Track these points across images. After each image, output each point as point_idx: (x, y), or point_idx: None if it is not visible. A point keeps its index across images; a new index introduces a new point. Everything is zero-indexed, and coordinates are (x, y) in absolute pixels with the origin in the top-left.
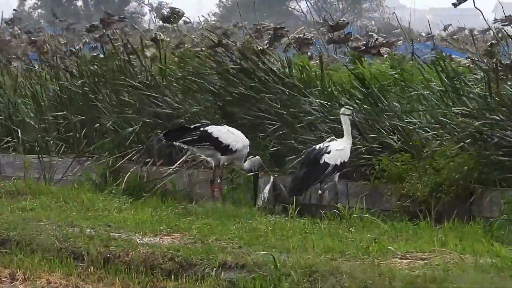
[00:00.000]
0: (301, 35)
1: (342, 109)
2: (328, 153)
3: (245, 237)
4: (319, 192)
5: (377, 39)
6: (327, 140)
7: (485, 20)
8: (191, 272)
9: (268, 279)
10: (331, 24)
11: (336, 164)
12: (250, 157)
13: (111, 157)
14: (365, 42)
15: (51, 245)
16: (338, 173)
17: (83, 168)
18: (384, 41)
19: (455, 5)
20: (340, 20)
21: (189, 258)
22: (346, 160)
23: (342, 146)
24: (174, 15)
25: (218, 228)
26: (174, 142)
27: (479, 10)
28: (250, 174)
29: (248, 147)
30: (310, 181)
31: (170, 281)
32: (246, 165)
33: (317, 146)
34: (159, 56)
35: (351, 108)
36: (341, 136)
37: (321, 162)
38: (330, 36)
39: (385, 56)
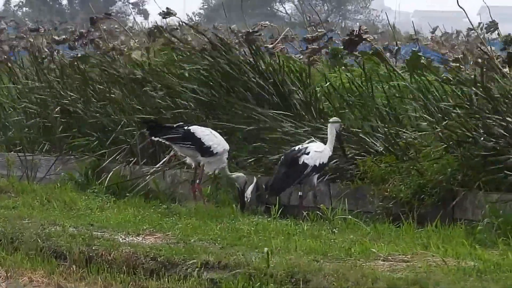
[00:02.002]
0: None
1: (332, 119)
2: (307, 154)
3: (227, 237)
4: (300, 193)
5: (361, 26)
6: (307, 141)
7: (470, 22)
8: (173, 272)
9: (251, 280)
10: (309, 37)
11: (315, 165)
12: (237, 173)
13: (94, 156)
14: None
15: (33, 243)
16: (317, 175)
17: (66, 167)
18: (366, 29)
19: None
20: (318, 31)
21: (171, 258)
22: (325, 162)
23: (322, 148)
24: (158, 29)
25: (200, 228)
26: (158, 138)
27: (463, 9)
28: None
29: (227, 153)
30: (289, 181)
31: (152, 281)
32: (233, 175)
33: (296, 147)
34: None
35: (339, 121)
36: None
37: (300, 162)
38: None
39: (370, 39)
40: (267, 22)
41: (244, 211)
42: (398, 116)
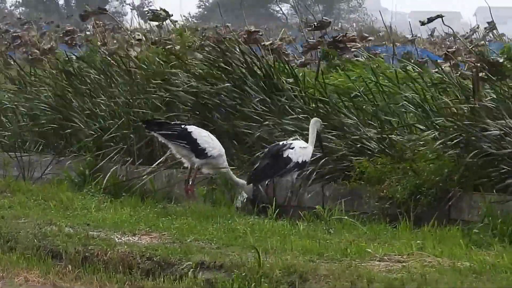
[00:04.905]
0: (277, 45)
1: (313, 120)
2: (292, 148)
3: (223, 237)
4: (289, 194)
5: (346, 33)
6: (291, 138)
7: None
8: (169, 272)
9: (246, 280)
10: (315, 24)
11: (298, 162)
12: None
13: (90, 156)
14: (335, 36)
15: (29, 243)
16: (297, 172)
17: (63, 166)
18: (353, 36)
19: (423, 23)
20: (324, 19)
21: (167, 257)
22: (307, 160)
23: (306, 146)
24: (160, 15)
25: (196, 228)
26: (153, 133)
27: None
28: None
29: (224, 157)
30: (270, 172)
31: (148, 281)
32: (239, 181)
33: (281, 142)
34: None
35: (320, 121)
36: None
37: (285, 155)
38: (308, 40)
39: (352, 50)
40: (260, 30)
41: (237, 207)
42: (393, 118)
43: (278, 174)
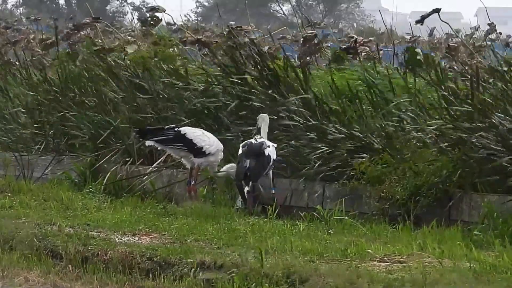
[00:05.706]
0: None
1: (263, 115)
2: (269, 147)
3: (223, 237)
4: (273, 191)
5: (356, 39)
6: (257, 137)
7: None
8: (169, 272)
9: (247, 280)
10: (302, 38)
11: (274, 159)
12: (225, 165)
13: (90, 156)
14: (346, 43)
15: (29, 243)
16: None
17: (63, 166)
18: (366, 40)
19: (418, 22)
20: (308, 32)
21: (167, 258)
22: (276, 158)
23: (274, 144)
24: (154, 18)
25: (197, 228)
26: (147, 141)
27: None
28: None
29: (222, 153)
30: (261, 171)
31: (148, 281)
32: (223, 170)
33: (253, 140)
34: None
35: (268, 117)
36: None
37: (266, 154)
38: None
39: (363, 54)
40: (241, 26)
41: (247, 206)
42: (393, 118)
43: (265, 172)
